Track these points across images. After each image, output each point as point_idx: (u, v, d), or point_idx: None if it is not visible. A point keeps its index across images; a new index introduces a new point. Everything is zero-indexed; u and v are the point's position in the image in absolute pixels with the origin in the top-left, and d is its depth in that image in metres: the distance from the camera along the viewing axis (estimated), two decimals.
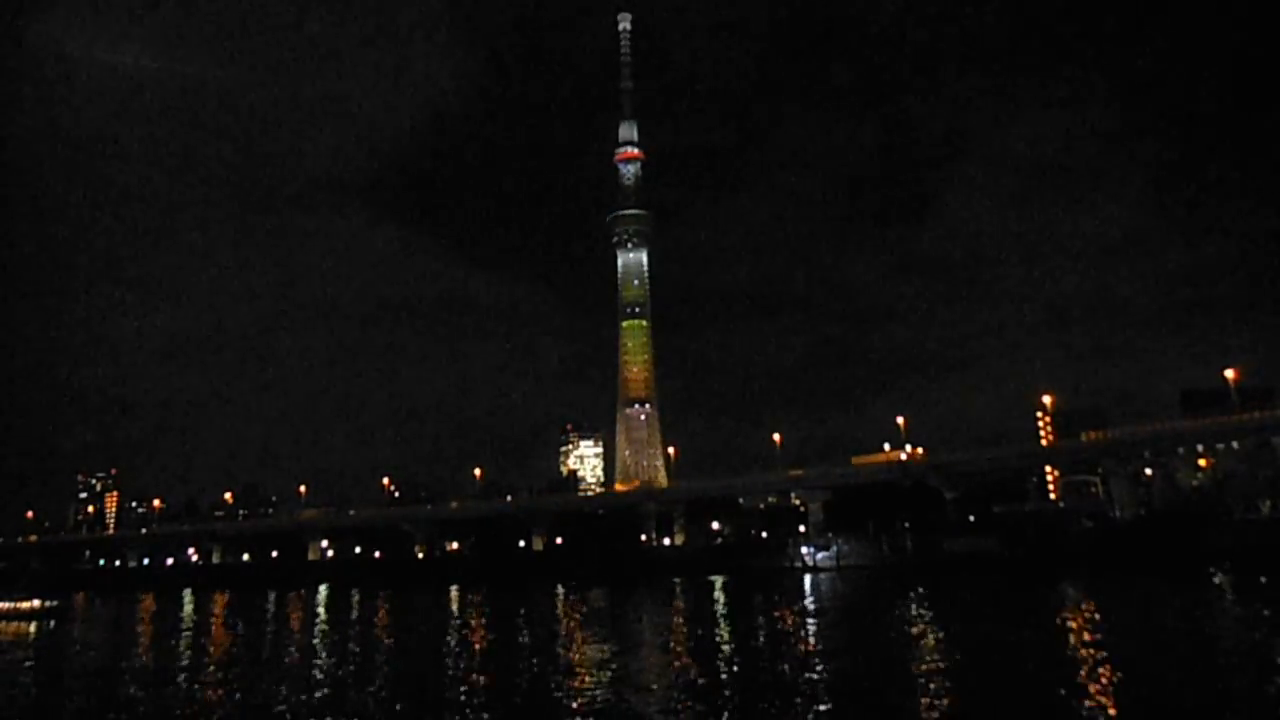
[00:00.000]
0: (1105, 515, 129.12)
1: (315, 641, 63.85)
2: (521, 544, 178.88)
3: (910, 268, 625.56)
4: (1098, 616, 60.20)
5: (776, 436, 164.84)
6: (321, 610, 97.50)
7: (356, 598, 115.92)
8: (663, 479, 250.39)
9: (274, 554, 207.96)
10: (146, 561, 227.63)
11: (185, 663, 54.41)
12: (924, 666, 40.98)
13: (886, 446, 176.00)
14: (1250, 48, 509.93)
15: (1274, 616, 55.09)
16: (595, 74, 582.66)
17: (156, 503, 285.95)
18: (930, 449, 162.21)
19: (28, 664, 59.00)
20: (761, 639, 55.80)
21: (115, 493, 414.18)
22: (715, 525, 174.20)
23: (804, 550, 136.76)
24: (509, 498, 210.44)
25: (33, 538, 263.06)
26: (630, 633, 61.88)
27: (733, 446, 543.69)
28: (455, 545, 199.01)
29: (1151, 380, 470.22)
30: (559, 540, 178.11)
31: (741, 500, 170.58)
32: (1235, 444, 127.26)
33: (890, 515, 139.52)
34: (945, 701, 33.26)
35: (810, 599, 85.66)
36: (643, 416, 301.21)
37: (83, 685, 47.31)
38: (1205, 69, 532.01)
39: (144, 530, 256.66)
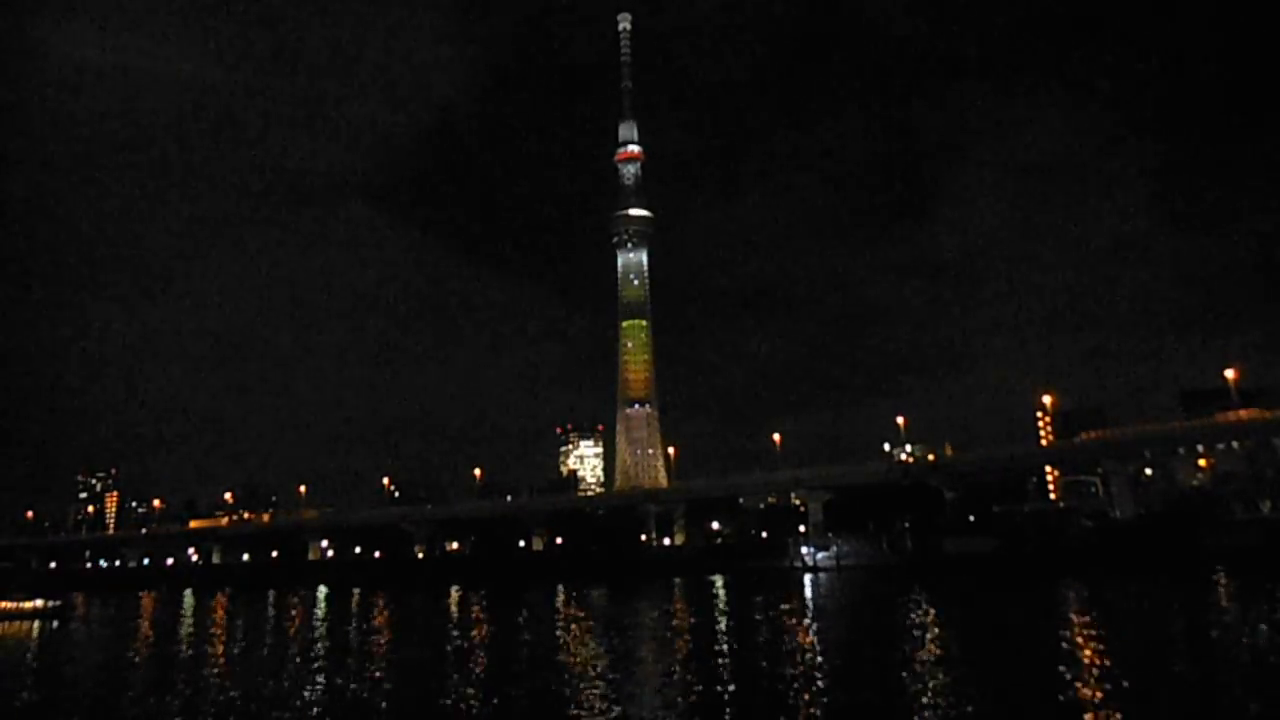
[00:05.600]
0: (1105, 515, 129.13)
1: (315, 642, 63.88)
2: (521, 544, 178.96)
3: (910, 268, 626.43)
4: (1098, 616, 60.24)
5: (776, 436, 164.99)
6: (321, 610, 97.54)
7: (356, 598, 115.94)
8: (663, 479, 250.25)
9: (274, 554, 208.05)
10: (146, 561, 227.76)
11: (186, 663, 54.41)
12: (925, 668, 41.01)
13: (886, 446, 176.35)
14: (1249, 48, 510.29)
15: (1273, 616, 55.16)
16: (595, 74, 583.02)
17: (156, 503, 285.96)
18: (930, 449, 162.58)
19: (30, 664, 59.10)
20: (762, 640, 55.80)
21: (115, 493, 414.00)
22: (715, 525, 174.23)
23: (804, 550, 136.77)
24: (509, 498, 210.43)
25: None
26: (630, 633, 61.90)
27: (733, 446, 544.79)
28: (455, 545, 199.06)
29: (1151, 380, 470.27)
30: (559, 540, 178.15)
31: (741, 500, 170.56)
32: (1235, 444, 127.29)
33: (890, 515, 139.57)
34: (947, 703, 33.30)
35: (811, 599, 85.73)
36: (643, 416, 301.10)
37: (85, 685, 47.41)
38: (1205, 69, 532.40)
39: (144, 530, 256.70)
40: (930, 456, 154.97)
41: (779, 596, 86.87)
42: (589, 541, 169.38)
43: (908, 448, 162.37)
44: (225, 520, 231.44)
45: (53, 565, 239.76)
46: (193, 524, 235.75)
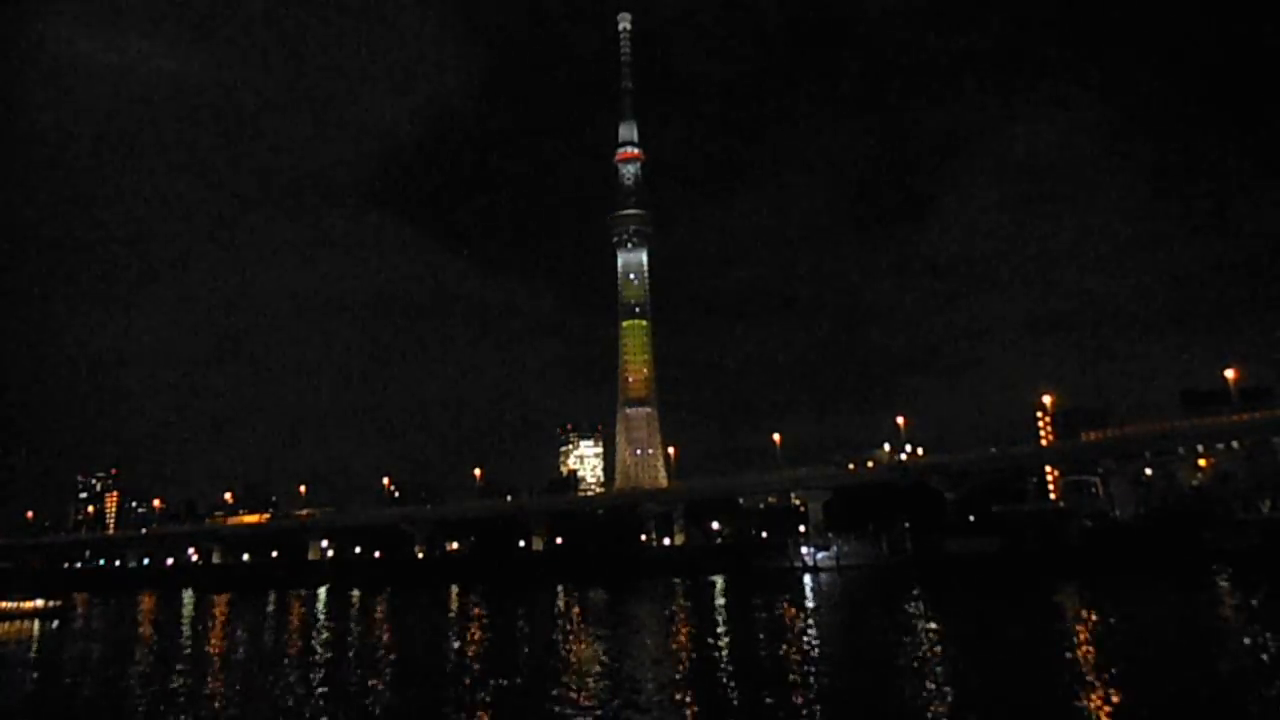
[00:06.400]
0: (1105, 515, 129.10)
1: (315, 642, 63.88)
2: (521, 544, 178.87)
3: (910, 268, 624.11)
4: (1097, 616, 60.24)
5: (776, 436, 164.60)
6: (321, 610, 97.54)
7: (356, 598, 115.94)
8: (663, 479, 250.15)
9: (274, 554, 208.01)
10: (146, 561, 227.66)
11: (186, 663, 54.41)
12: (925, 668, 41.01)
13: (886, 446, 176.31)
14: (1248, 48, 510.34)
15: (1273, 616, 55.15)
16: (595, 74, 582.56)
17: (156, 503, 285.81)
18: (930, 449, 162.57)
19: (31, 664, 59.09)
20: (762, 640, 55.82)
21: (115, 493, 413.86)
22: (715, 525, 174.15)
23: (804, 550, 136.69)
24: (509, 498, 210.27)
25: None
26: (630, 633, 61.91)
27: (733, 446, 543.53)
28: (455, 545, 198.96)
29: (1151, 380, 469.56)
30: (559, 540, 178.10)
31: (741, 500, 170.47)
32: (1235, 444, 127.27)
33: (890, 515, 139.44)
34: (947, 704, 33.29)
35: (811, 599, 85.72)
36: (643, 416, 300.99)
37: (85, 685, 47.40)
38: (1203, 70, 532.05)
39: (144, 530, 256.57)
40: (902, 457, 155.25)
41: (779, 597, 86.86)
42: (589, 541, 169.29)
43: (908, 448, 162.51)
44: (226, 520, 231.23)
45: (53, 565, 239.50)
46: (225, 522, 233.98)
